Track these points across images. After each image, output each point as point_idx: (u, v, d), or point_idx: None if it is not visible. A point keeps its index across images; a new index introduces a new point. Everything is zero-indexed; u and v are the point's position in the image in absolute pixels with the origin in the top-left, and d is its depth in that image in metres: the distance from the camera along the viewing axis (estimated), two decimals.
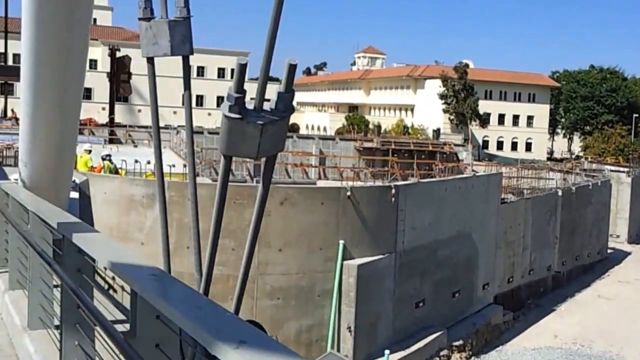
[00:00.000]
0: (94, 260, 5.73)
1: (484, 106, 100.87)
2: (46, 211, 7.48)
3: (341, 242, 26.05)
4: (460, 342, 31.93)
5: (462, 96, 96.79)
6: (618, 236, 58.57)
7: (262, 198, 4.96)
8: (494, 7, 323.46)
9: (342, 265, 26.12)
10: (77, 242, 5.99)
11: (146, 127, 72.71)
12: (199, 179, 36.64)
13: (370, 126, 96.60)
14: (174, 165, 33.28)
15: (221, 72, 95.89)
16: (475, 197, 33.49)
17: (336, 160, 69.52)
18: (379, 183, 58.08)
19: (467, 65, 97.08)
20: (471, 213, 33.20)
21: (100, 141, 49.72)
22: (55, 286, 6.92)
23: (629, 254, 57.95)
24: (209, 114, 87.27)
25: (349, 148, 73.46)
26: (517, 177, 41.38)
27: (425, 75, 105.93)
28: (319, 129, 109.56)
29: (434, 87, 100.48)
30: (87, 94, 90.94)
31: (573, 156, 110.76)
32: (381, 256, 27.38)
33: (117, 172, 31.66)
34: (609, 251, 56.27)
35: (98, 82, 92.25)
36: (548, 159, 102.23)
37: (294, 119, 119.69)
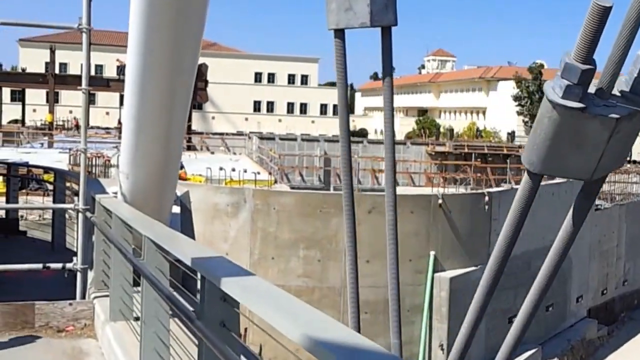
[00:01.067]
0: (237, 304, 4.50)
1: None
2: (160, 234, 6.37)
3: (432, 253, 24.59)
4: (555, 359, 30.04)
5: (537, 97, 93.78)
6: None
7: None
8: (564, 5, 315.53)
9: (432, 278, 24.64)
10: (212, 279, 4.78)
11: (221, 134, 72.76)
12: (277, 186, 35.66)
13: (442, 130, 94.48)
14: (258, 173, 32.41)
15: (291, 79, 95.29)
16: (568, 203, 31.38)
17: (407, 165, 67.70)
18: (452, 189, 56.20)
19: (541, 66, 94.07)
20: (564, 221, 31.18)
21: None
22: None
23: None
24: (280, 120, 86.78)
25: (420, 152, 71.66)
26: (609, 181, 39.11)
27: (497, 76, 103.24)
28: None
29: (507, 88, 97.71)
30: None
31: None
32: (474, 268, 25.76)
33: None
34: None
35: None
36: (631, 161, 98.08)
37: (362, 123, 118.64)
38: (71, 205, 8.57)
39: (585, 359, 32.78)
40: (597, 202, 35.70)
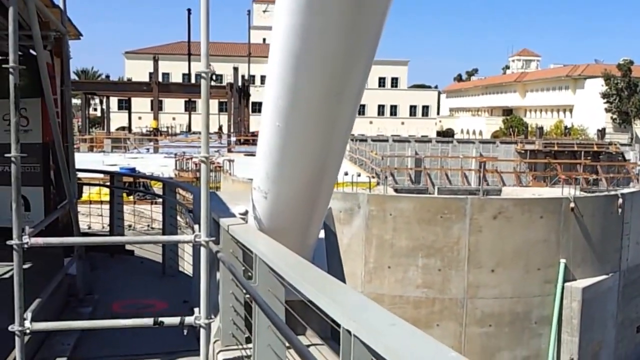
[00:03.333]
0: None
1: None
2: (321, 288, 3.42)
3: (562, 261, 20.85)
4: None
5: (626, 94, 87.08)
6: None
7: None
8: None
9: (563, 287, 20.91)
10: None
11: None
12: (379, 188, 32.40)
13: (530, 128, 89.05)
14: (359, 175, 29.27)
15: (381, 81, 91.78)
16: None
17: (496, 164, 63.15)
18: (542, 187, 51.69)
19: (631, 62, 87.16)
20: None
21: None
22: None
23: None
24: (371, 122, 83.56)
25: (509, 151, 66.96)
26: None
27: (585, 74, 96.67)
28: (474, 133, 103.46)
29: (595, 86, 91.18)
30: (260, 107, 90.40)
31: None
32: (605, 276, 21.88)
33: None
34: None
35: None
36: None
37: (448, 124, 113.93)
38: (190, 237, 5.71)
39: None
40: None
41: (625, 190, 22.71)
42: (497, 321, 20.86)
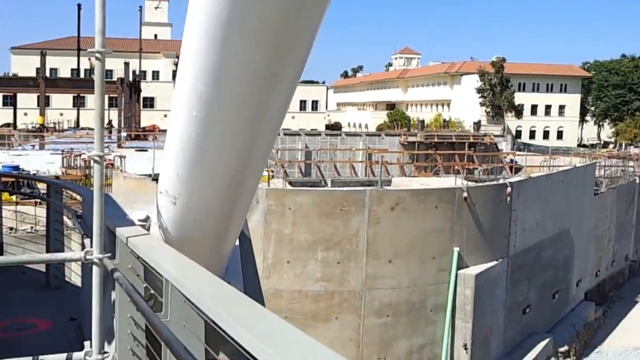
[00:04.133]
0: None
1: (517, 98, 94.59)
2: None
3: (456, 249, 20.73)
4: (565, 347, 26.45)
5: (499, 89, 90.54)
6: None
7: None
8: (524, 2, 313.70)
9: (456, 275, 20.80)
10: None
11: None
12: (274, 182, 31.43)
13: (412, 121, 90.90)
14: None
15: None
16: (574, 190, 27.89)
17: (383, 156, 63.66)
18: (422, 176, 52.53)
19: (503, 60, 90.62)
20: (570, 208, 27.64)
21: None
22: None
23: None
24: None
25: (394, 143, 67.87)
26: (605, 165, 35.73)
27: (462, 71, 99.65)
28: (360, 126, 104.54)
29: (471, 82, 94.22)
30: (150, 102, 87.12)
31: (601, 142, 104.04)
32: (495, 262, 21.99)
33: None
34: None
35: (160, 91, 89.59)
36: (578, 145, 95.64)
37: (336, 118, 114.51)
38: (80, 254, 4.56)
39: (588, 342, 29.32)
40: (595, 187, 32.18)
41: (513, 179, 22.92)
42: (395, 311, 20.48)
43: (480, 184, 23.42)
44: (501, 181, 22.68)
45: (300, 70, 3.90)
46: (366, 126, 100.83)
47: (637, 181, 38.44)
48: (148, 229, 5.68)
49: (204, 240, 5.19)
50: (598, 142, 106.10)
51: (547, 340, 25.07)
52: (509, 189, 21.66)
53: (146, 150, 41.36)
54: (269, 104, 3.91)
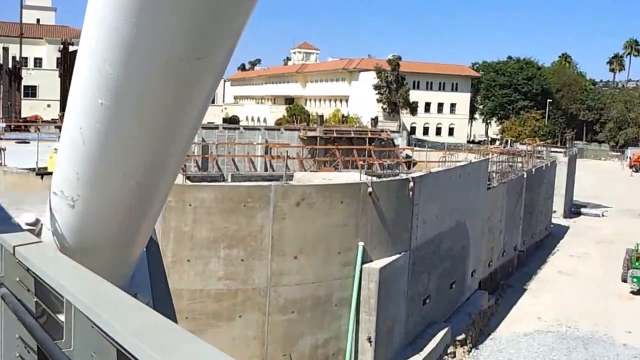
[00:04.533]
0: None
1: (412, 95, 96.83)
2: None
3: (360, 244, 20.56)
4: (463, 335, 27.03)
5: (395, 87, 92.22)
6: (555, 212, 54.95)
7: None
8: (420, 3, 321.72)
9: (361, 269, 20.65)
10: None
11: None
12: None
13: (312, 116, 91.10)
14: None
15: None
16: (470, 184, 28.53)
17: (281, 150, 63.32)
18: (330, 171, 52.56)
19: (399, 58, 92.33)
20: (466, 201, 28.25)
21: (53, 138, 41.71)
22: None
23: (568, 227, 54.87)
24: None
25: (293, 137, 67.73)
26: (497, 161, 36.87)
27: (359, 67, 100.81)
28: (259, 120, 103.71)
29: (368, 78, 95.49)
30: (32, 91, 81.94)
31: (489, 139, 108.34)
32: (398, 255, 22.03)
33: None
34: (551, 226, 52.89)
35: (43, 79, 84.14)
36: (468, 142, 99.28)
37: (233, 111, 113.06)
38: None
39: (483, 330, 30.15)
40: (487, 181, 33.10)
41: (415, 174, 23.04)
42: (300, 307, 20.08)
43: (385, 179, 23.42)
44: (403, 176, 22.72)
45: (230, 52, 3.26)
46: (265, 120, 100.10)
47: (525, 176, 40.03)
48: (38, 235, 4.87)
49: (108, 249, 4.41)
50: (486, 138, 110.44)
51: (445, 330, 25.50)
52: (411, 184, 21.74)
53: (28, 142, 38.92)
54: (192, 92, 3.27)
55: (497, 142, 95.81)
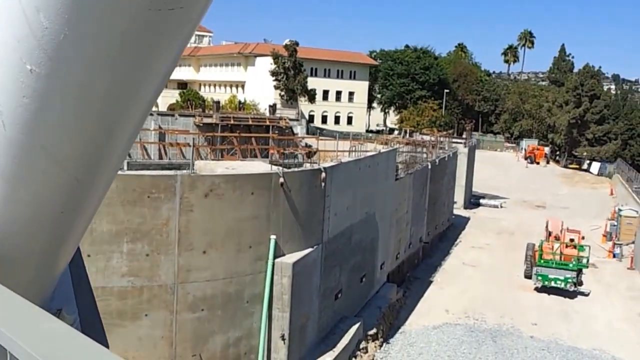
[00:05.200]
0: None
1: (310, 83, 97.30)
2: None
3: (272, 237, 20.31)
4: (374, 330, 27.43)
5: (292, 73, 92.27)
6: (455, 202, 56.93)
7: None
8: None
9: (273, 264, 20.41)
10: None
11: None
12: None
13: (207, 102, 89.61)
14: None
15: None
16: (379, 175, 28.91)
17: (177, 137, 62.00)
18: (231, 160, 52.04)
19: (297, 44, 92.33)
20: (375, 193, 28.62)
21: None
22: None
23: (468, 219, 56.95)
24: None
25: (188, 124, 66.47)
26: (405, 152, 37.54)
27: (255, 52, 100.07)
28: None
29: (265, 64, 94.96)
30: None
31: (387, 129, 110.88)
32: (310, 249, 21.97)
33: None
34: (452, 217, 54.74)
35: None
36: (366, 131, 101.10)
37: None
38: None
39: (392, 323, 30.74)
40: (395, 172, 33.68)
41: (327, 164, 23.00)
42: (210, 304, 19.61)
43: (296, 169, 23.23)
44: (315, 166, 22.64)
45: (206, 6, 2.75)
46: (156, 105, 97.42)
47: (429, 167, 41.13)
48: None
49: (31, 261, 3.81)
50: (384, 128, 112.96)
51: (357, 325, 25.74)
52: (323, 174, 21.70)
53: None
54: (157, 56, 2.75)
55: (396, 132, 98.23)
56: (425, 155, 42.47)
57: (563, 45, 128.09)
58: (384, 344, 28.23)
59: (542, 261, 36.53)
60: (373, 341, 27.17)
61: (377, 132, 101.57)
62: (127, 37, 2.57)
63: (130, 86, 2.87)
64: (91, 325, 5.88)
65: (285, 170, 21.09)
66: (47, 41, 2.58)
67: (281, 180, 19.99)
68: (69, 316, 4.83)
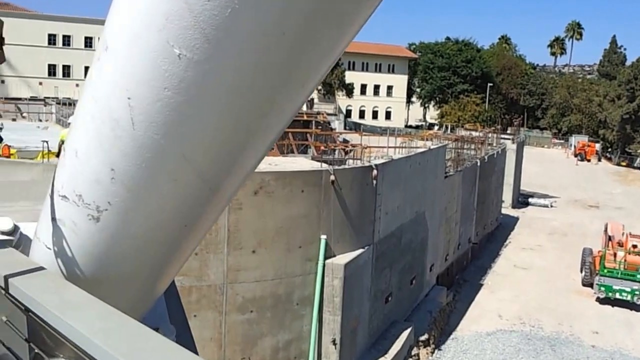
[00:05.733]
0: None
1: (347, 77, 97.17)
2: None
3: (323, 237, 20.09)
4: (425, 335, 27.09)
5: None
6: (503, 201, 56.14)
7: None
8: None
9: (324, 265, 20.21)
10: None
11: (17, 99, 62.23)
12: None
13: None
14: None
15: (88, 42, 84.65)
16: (428, 173, 28.54)
17: None
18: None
19: None
20: (425, 191, 28.26)
21: None
22: None
23: (517, 218, 56.15)
24: (77, 85, 77.01)
25: None
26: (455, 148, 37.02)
27: None
28: None
29: None
30: None
31: (427, 124, 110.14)
32: (361, 250, 21.72)
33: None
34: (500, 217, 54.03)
35: None
36: (405, 126, 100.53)
37: None
38: None
39: (444, 328, 30.37)
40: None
41: (378, 161, 22.72)
42: (259, 306, 19.47)
43: (347, 166, 23.01)
44: (366, 163, 22.40)
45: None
46: None
47: (478, 164, 40.58)
48: (18, 247, 3.95)
49: (136, 278, 3.53)
50: (423, 123, 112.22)
51: (409, 330, 25.43)
52: (374, 172, 21.43)
53: None
54: (326, 50, 2.51)
55: (436, 127, 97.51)
56: (473, 152, 41.89)
57: (614, 37, 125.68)
58: (436, 351, 27.88)
59: (605, 270, 34.50)
60: (424, 347, 26.84)
61: (417, 127, 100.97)
62: (312, 19, 2.26)
63: (291, 87, 2.55)
64: (186, 344, 5.71)
65: (336, 167, 20.87)
66: (207, 17, 2.25)
67: (332, 177, 19.76)
68: (167, 335, 4.64)
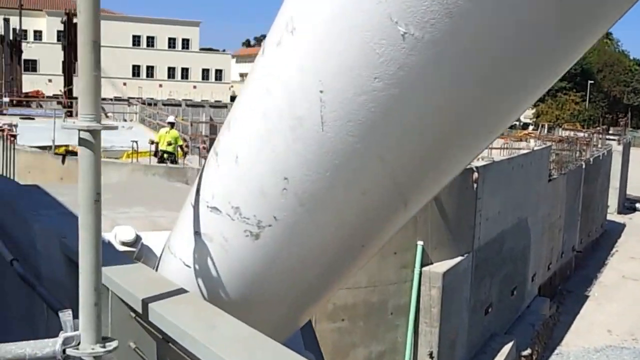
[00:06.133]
0: None
1: None
2: None
3: (419, 243, 19.40)
4: (528, 350, 25.89)
5: None
6: (608, 207, 53.66)
7: None
8: None
9: (420, 273, 19.51)
10: None
11: (102, 99, 64.17)
12: (191, 158, 29.05)
13: None
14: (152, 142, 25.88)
15: (171, 42, 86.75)
16: (531, 176, 27.36)
17: None
18: None
19: None
20: (528, 195, 27.09)
21: (59, 115, 40.55)
22: None
23: (624, 225, 53.51)
24: (160, 85, 78.99)
25: None
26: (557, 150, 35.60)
27: None
28: None
29: None
30: (33, 65, 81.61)
31: (521, 123, 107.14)
32: (460, 258, 20.89)
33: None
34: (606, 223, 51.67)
35: (43, 53, 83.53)
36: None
37: (239, 89, 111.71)
38: (50, 346, 2.48)
39: (547, 342, 29.04)
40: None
41: (479, 163, 21.83)
42: (351, 314, 18.97)
43: None
44: (467, 166, 21.55)
45: None
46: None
47: (584, 166, 38.84)
48: (139, 259, 3.65)
49: (285, 304, 3.25)
50: (517, 122, 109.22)
51: (510, 344, 24.32)
52: (475, 174, 20.57)
53: (33, 119, 39.45)
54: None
55: (531, 127, 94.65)
56: (577, 154, 40.12)
57: None
58: None
59: None
60: None
61: (510, 127, 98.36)
62: None
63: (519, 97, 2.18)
64: None
65: None
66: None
67: None
68: None
